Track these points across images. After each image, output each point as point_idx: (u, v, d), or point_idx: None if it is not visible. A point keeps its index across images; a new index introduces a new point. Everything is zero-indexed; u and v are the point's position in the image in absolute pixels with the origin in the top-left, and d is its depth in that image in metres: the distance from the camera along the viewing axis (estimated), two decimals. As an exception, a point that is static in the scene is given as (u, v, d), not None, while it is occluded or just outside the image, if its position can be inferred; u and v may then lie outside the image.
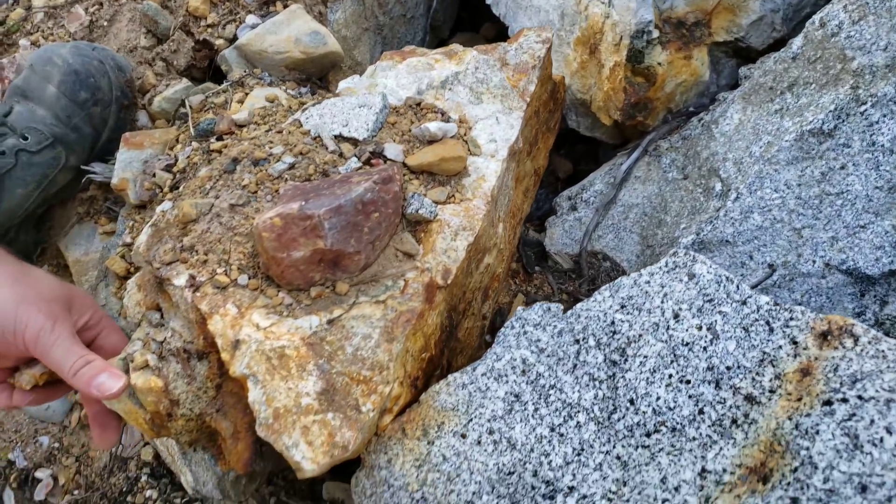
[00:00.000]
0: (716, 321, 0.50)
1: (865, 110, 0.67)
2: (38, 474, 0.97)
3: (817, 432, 0.42)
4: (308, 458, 0.46)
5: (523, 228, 0.94)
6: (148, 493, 0.92)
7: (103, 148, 0.88)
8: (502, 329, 0.55)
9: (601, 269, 0.86)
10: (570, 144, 1.19)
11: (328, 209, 0.51)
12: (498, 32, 1.40)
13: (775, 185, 0.72)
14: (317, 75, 0.91)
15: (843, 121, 0.68)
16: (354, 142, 0.63)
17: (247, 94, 0.81)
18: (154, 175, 0.74)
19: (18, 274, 0.52)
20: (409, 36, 1.19)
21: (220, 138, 0.73)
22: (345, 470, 0.82)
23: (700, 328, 0.50)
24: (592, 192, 0.90)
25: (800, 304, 0.60)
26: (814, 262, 0.70)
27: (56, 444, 0.98)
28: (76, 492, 0.95)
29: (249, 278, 0.54)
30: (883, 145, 0.67)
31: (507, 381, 0.52)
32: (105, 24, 0.89)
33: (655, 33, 0.85)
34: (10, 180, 0.81)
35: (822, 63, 0.74)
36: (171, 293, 0.55)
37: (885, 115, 0.66)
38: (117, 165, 0.77)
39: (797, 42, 0.77)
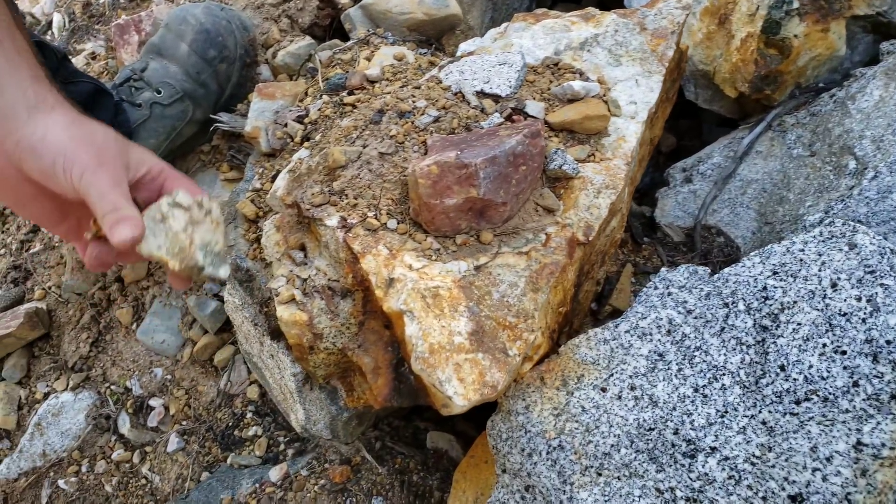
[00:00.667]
0: (877, 293, 0.48)
1: None
2: (152, 403, 1.05)
3: None
4: (459, 394, 0.48)
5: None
6: (253, 429, 0.98)
7: (226, 103, 0.93)
8: (644, 289, 0.55)
9: (714, 243, 0.84)
10: (673, 119, 1.16)
11: (484, 159, 0.52)
12: (599, 3, 1.36)
13: (923, 165, 0.68)
14: (435, 37, 0.92)
15: None
16: (496, 98, 0.63)
17: (373, 51, 0.83)
18: (286, 125, 0.77)
19: (77, 119, 0.52)
20: (515, 3, 1.18)
21: (351, 93, 0.75)
22: (448, 420, 0.85)
23: (860, 299, 0.48)
24: (710, 165, 0.87)
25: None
26: (964, 247, 0.66)
27: (168, 377, 1.05)
28: (185, 422, 1.02)
29: (398, 223, 0.56)
30: None
31: (651, 340, 0.52)
32: (237, -20, 0.93)
33: (795, 4, 0.81)
34: (144, 131, 0.87)
35: None
36: (320, 233, 0.58)
37: None
38: (250, 114, 0.81)
39: (959, 13, 0.72)
